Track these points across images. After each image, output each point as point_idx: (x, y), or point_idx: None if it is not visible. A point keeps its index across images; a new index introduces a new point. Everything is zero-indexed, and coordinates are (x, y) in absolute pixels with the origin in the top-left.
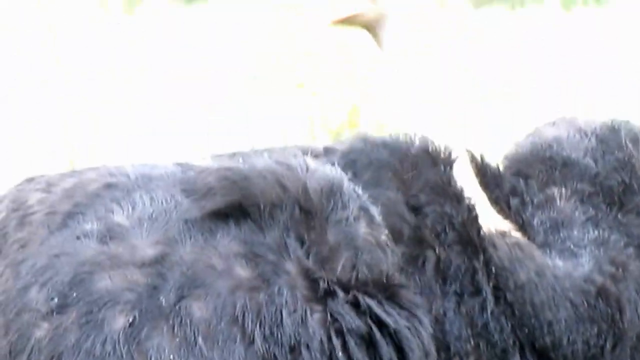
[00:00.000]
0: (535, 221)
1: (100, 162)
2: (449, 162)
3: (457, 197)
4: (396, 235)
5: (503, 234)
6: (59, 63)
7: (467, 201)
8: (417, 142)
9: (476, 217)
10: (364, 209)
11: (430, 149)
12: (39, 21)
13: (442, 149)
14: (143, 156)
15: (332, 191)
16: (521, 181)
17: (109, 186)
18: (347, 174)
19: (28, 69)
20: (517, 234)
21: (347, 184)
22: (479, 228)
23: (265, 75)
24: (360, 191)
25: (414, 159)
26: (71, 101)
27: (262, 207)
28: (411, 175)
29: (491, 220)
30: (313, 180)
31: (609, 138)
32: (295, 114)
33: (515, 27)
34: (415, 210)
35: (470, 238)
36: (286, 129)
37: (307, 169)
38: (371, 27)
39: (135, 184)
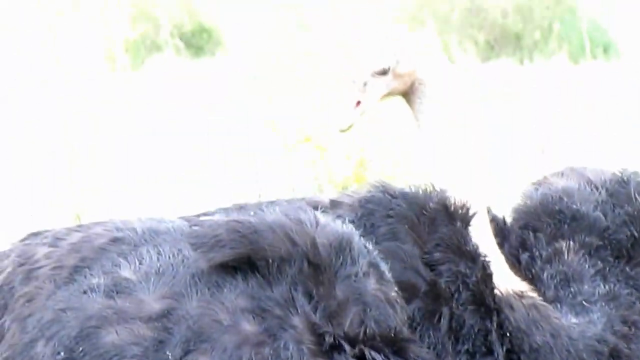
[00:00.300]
0: (545, 275)
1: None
2: (466, 220)
3: (472, 256)
4: (412, 290)
5: (520, 295)
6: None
7: (482, 260)
8: (435, 197)
9: (490, 276)
10: (373, 265)
11: (448, 205)
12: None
13: (460, 205)
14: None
15: (341, 246)
16: (530, 234)
17: (115, 240)
18: (364, 223)
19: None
20: (533, 294)
21: (357, 239)
22: (493, 288)
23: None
24: (370, 246)
25: (431, 214)
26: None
27: (270, 260)
28: (427, 230)
29: (507, 280)
30: (322, 235)
31: (618, 191)
32: (301, 168)
33: (524, 81)
34: (431, 266)
35: (483, 298)
36: (293, 183)
37: (317, 223)
38: (405, 95)
39: (142, 238)
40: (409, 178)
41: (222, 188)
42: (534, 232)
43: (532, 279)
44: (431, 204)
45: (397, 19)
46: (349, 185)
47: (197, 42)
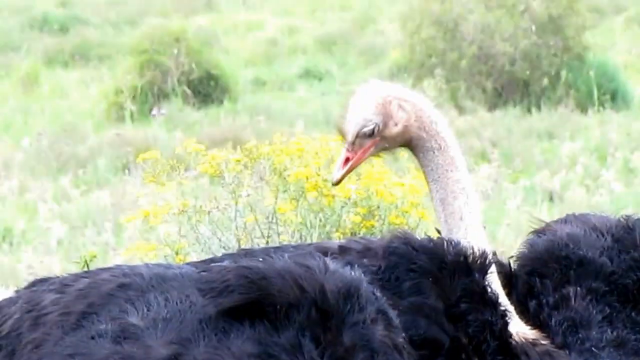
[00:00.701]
0: (553, 322)
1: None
2: (484, 269)
3: (494, 305)
4: (435, 346)
5: (534, 343)
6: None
7: (501, 308)
8: (452, 248)
9: (508, 324)
10: (381, 311)
11: (466, 256)
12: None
13: (478, 255)
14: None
15: (349, 293)
16: (537, 281)
17: (122, 286)
18: (389, 275)
19: None
20: (545, 341)
21: (365, 286)
22: (511, 336)
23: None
24: (379, 293)
25: (451, 266)
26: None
27: (278, 306)
28: (450, 283)
29: (519, 328)
30: (331, 282)
31: (624, 237)
32: (308, 214)
33: (532, 128)
34: (456, 319)
35: (508, 346)
36: (301, 229)
37: (326, 270)
38: (409, 147)
39: (150, 285)
40: (417, 224)
41: (229, 234)
42: (541, 279)
43: (541, 326)
44: (450, 256)
45: (406, 67)
46: (357, 231)
47: (204, 89)
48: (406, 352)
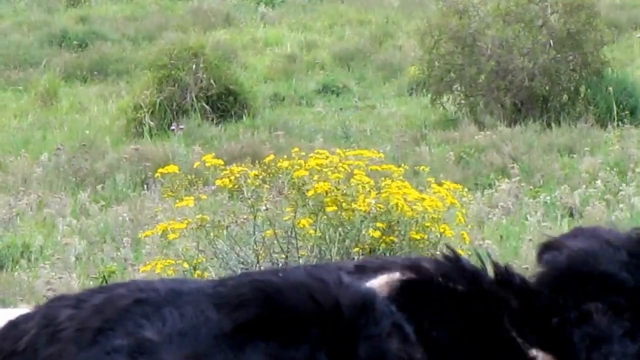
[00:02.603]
0: (575, 338)
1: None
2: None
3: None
4: None
5: None
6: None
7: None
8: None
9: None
10: (397, 326)
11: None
12: None
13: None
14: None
15: (364, 306)
16: (559, 298)
17: (138, 302)
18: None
19: None
20: None
21: (380, 300)
22: None
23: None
24: (394, 308)
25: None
26: None
27: (293, 321)
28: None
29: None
30: (345, 296)
31: (638, 251)
32: (327, 229)
33: (552, 143)
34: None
35: None
36: (320, 243)
37: (341, 284)
38: None
39: (165, 300)
40: (438, 240)
41: (247, 249)
42: (563, 295)
43: (564, 342)
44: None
45: (424, 82)
46: (377, 247)
47: (223, 105)
48: None
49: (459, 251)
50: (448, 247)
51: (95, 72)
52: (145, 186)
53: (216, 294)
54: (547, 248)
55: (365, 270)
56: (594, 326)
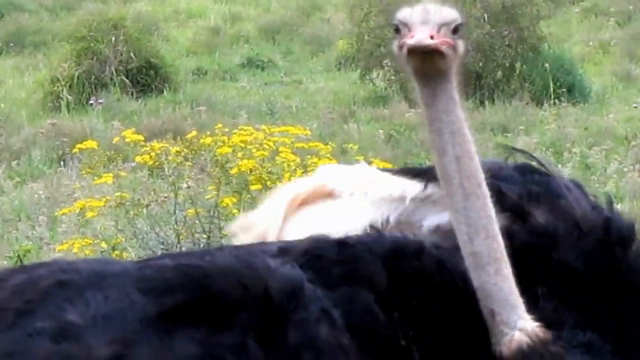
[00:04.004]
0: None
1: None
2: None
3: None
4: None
5: (545, 342)
6: None
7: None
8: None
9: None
10: (325, 311)
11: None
12: None
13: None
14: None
15: (293, 292)
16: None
17: (60, 283)
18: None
19: None
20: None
21: (308, 285)
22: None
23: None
24: (321, 293)
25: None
26: None
27: (222, 306)
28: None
29: (528, 324)
30: (274, 280)
31: (602, 239)
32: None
33: (486, 122)
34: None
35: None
36: None
37: (269, 268)
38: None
39: (88, 282)
40: None
41: (167, 228)
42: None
43: None
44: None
45: (353, 57)
46: None
47: (143, 79)
48: (352, 353)
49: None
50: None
51: (12, 44)
52: (62, 162)
53: (141, 278)
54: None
55: (289, 253)
56: (541, 311)
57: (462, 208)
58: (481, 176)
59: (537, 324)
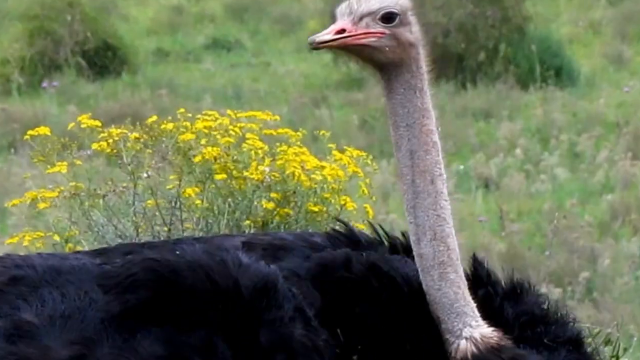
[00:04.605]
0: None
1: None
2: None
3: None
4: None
5: (499, 348)
6: None
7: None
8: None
9: None
10: (299, 310)
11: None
12: None
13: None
14: None
15: (265, 289)
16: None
17: (14, 280)
18: None
19: None
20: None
21: (282, 282)
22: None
23: None
24: (295, 290)
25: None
26: None
27: (189, 303)
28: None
29: (482, 330)
30: (246, 277)
31: None
32: (216, 199)
33: (467, 107)
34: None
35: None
36: (207, 215)
37: (240, 264)
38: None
39: (43, 279)
40: (338, 213)
41: (126, 220)
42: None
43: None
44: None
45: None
46: (270, 220)
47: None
48: (327, 353)
49: (360, 226)
50: (340, 221)
51: None
52: (12, 150)
53: (102, 273)
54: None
55: (253, 247)
56: (525, 304)
57: (412, 207)
58: (438, 172)
59: (491, 330)
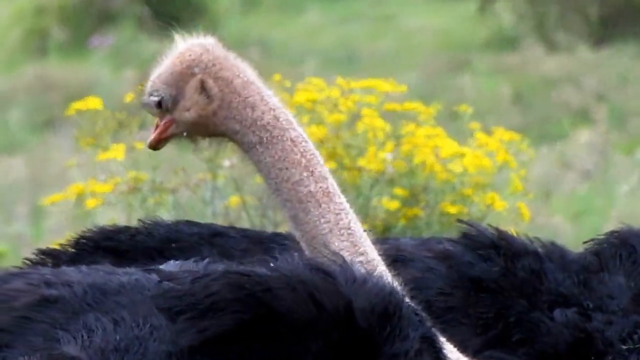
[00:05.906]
0: None
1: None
2: None
3: None
4: None
5: None
6: None
7: None
8: None
9: None
10: (428, 340)
11: None
12: None
13: None
14: None
15: (387, 313)
16: None
17: (46, 301)
18: None
19: None
20: None
21: (407, 304)
22: None
23: None
24: (423, 313)
25: None
26: None
27: (288, 330)
28: None
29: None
30: (361, 297)
31: None
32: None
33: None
34: None
35: None
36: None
37: (354, 279)
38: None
39: (84, 301)
40: (484, 215)
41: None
42: None
43: None
44: None
45: None
46: (393, 224)
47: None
48: None
49: (512, 232)
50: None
51: None
52: (51, 129)
53: (164, 292)
54: None
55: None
56: None
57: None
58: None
59: None
